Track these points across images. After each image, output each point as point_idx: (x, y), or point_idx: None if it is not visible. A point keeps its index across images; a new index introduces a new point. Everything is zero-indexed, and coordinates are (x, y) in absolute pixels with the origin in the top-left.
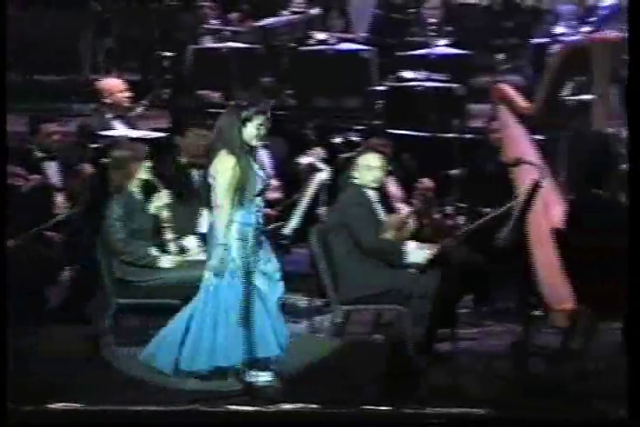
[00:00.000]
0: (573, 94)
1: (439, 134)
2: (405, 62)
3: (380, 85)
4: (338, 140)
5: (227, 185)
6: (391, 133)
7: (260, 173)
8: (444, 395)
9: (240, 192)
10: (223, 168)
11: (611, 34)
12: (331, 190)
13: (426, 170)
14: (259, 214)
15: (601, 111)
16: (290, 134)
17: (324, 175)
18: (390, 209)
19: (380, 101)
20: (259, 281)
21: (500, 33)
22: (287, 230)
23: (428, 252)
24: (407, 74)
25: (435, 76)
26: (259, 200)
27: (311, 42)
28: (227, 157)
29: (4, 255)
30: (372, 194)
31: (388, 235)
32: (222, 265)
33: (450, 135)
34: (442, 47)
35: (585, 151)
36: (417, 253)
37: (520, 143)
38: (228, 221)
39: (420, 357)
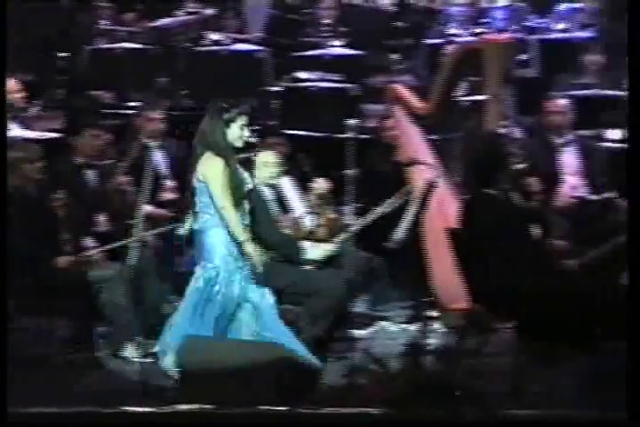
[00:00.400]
0: (466, 95)
1: (334, 134)
2: (300, 63)
3: (275, 86)
4: None
5: (223, 187)
6: (286, 134)
7: (245, 175)
8: (339, 395)
9: (232, 194)
10: (214, 171)
11: (503, 35)
12: None
13: (321, 170)
14: (244, 217)
15: (493, 111)
16: (185, 135)
17: None
18: (285, 209)
19: (275, 102)
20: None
21: (394, 33)
22: (182, 231)
23: (323, 251)
24: (302, 74)
25: (329, 76)
26: (245, 203)
27: (206, 42)
28: (214, 159)
29: (4, 255)
30: (268, 192)
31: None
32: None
33: (345, 135)
34: (336, 48)
35: (477, 151)
36: (313, 251)
37: (414, 143)
38: (236, 220)
39: (315, 357)
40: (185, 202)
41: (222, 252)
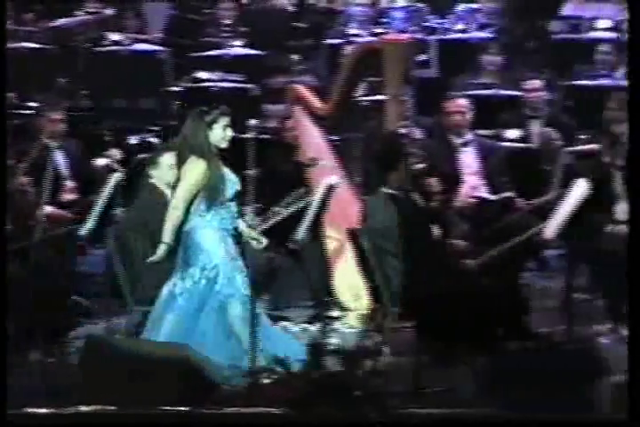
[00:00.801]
0: (366, 95)
1: (235, 134)
2: (200, 63)
3: (176, 86)
4: (134, 141)
5: (188, 187)
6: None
7: (232, 176)
8: (241, 395)
9: (210, 196)
10: (192, 172)
11: (402, 35)
12: (127, 191)
13: None
14: (235, 220)
15: (393, 112)
16: (85, 135)
17: (119, 176)
18: None
19: (176, 102)
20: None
21: (294, 34)
22: (83, 231)
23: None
24: (202, 74)
25: (230, 76)
26: (233, 205)
27: (106, 42)
28: (197, 161)
29: (4, 255)
30: (169, 194)
31: None
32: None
33: (245, 135)
34: (236, 48)
35: (377, 151)
36: None
37: (315, 143)
38: (177, 223)
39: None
40: (86, 202)
41: (220, 252)
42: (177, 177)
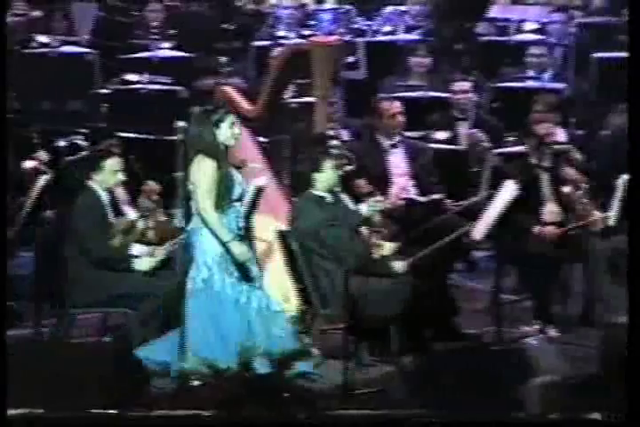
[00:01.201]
0: (295, 97)
1: (164, 137)
2: (129, 65)
3: (104, 88)
4: (62, 143)
5: (209, 188)
6: (117, 136)
7: (238, 176)
8: (170, 397)
9: (222, 196)
10: (204, 173)
11: (330, 37)
12: (56, 194)
13: (151, 172)
14: (239, 220)
15: (322, 113)
16: (13, 138)
17: (47, 179)
18: (118, 212)
19: (105, 104)
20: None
21: (223, 36)
22: (10, 234)
23: (155, 256)
24: (131, 77)
25: (158, 78)
26: (238, 205)
27: (34, 45)
28: (205, 161)
29: (4, 255)
30: (105, 197)
31: (117, 239)
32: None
33: (174, 138)
34: (165, 50)
35: (306, 153)
36: (144, 259)
37: (244, 145)
38: (218, 221)
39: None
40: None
41: (215, 252)
42: (187, 177)
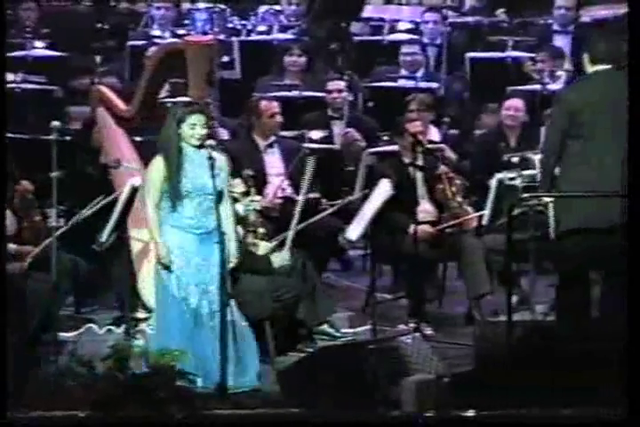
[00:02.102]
0: (170, 96)
1: (39, 136)
2: (3, 64)
3: None
4: None
5: (149, 185)
6: None
7: (205, 174)
8: (47, 398)
9: (170, 193)
10: (149, 170)
11: (205, 36)
12: None
13: (26, 172)
14: (206, 217)
15: None
16: None
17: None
18: None
19: None
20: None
21: (97, 35)
22: None
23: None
24: (6, 76)
25: (33, 78)
26: (206, 203)
27: None
28: (156, 159)
29: (4, 257)
30: None
31: None
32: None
33: (49, 137)
34: (39, 49)
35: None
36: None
37: (119, 145)
38: (156, 221)
39: (22, 361)
40: None
41: (175, 251)
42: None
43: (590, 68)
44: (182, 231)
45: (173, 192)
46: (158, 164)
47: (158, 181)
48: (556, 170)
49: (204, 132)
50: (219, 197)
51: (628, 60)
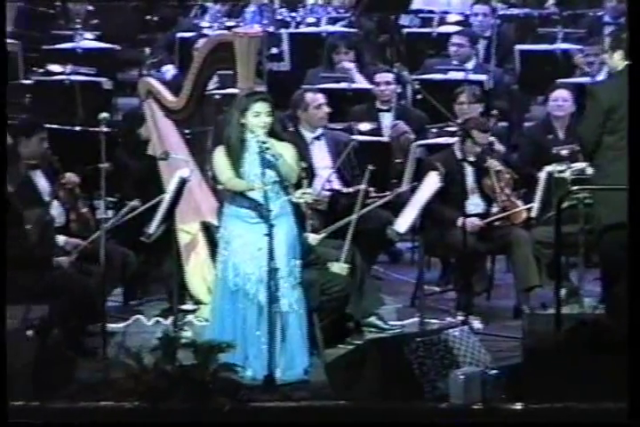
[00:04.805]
0: (218, 88)
1: (87, 128)
2: (52, 56)
3: (27, 79)
4: None
5: (217, 171)
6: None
7: (264, 164)
8: (94, 389)
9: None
10: (214, 159)
11: (254, 28)
12: None
13: (73, 164)
14: (265, 206)
15: None
16: None
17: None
18: (41, 203)
19: (28, 95)
20: None
21: (146, 27)
22: None
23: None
24: (54, 67)
25: (82, 69)
26: (264, 193)
27: None
28: (218, 148)
29: (4, 255)
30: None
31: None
32: None
33: (98, 129)
34: (88, 41)
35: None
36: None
37: (168, 137)
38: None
39: (69, 352)
40: None
41: (235, 243)
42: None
43: (621, 64)
44: (240, 221)
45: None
46: (220, 153)
47: (225, 167)
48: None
49: (269, 120)
50: (280, 187)
51: (628, 59)
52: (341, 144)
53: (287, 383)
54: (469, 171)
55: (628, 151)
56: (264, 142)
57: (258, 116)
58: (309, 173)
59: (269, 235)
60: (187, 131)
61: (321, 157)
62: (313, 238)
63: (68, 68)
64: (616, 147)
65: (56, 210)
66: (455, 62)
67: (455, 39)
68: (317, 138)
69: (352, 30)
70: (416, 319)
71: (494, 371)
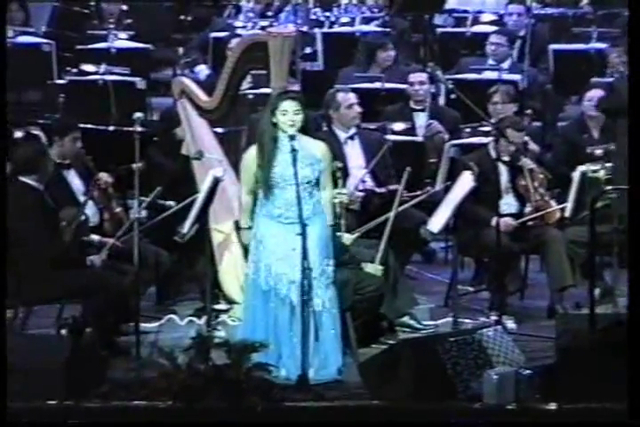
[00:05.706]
0: (252, 88)
1: (121, 128)
2: (86, 56)
3: (61, 79)
4: (19, 134)
5: (243, 172)
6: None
7: (296, 164)
8: (127, 388)
9: (261, 182)
10: (244, 158)
11: (287, 28)
12: None
13: (107, 163)
14: (295, 207)
15: None
16: None
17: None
18: (75, 202)
19: (62, 95)
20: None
21: (180, 27)
22: None
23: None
24: (88, 67)
25: (116, 69)
26: (290, 192)
27: None
28: (251, 147)
29: (4, 252)
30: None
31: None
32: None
33: (131, 129)
34: (122, 40)
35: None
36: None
37: (202, 136)
38: (248, 207)
39: (102, 351)
40: None
41: (269, 243)
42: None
43: None
44: (273, 221)
45: (265, 181)
46: (252, 152)
47: (252, 169)
48: None
49: (297, 118)
50: (314, 186)
51: (628, 59)
52: (375, 144)
53: (320, 383)
54: (503, 170)
55: (629, 151)
56: (292, 138)
57: (285, 115)
58: (344, 173)
59: (302, 234)
60: (220, 130)
61: (355, 156)
62: (347, 238)
63: (102, 67)
64: None
65: (90, 210)
66: (491, 62)
67: (493, 38)
68: (351, 137)
69: (386, 30)
70: (449, 319)
71: (528, 371)
